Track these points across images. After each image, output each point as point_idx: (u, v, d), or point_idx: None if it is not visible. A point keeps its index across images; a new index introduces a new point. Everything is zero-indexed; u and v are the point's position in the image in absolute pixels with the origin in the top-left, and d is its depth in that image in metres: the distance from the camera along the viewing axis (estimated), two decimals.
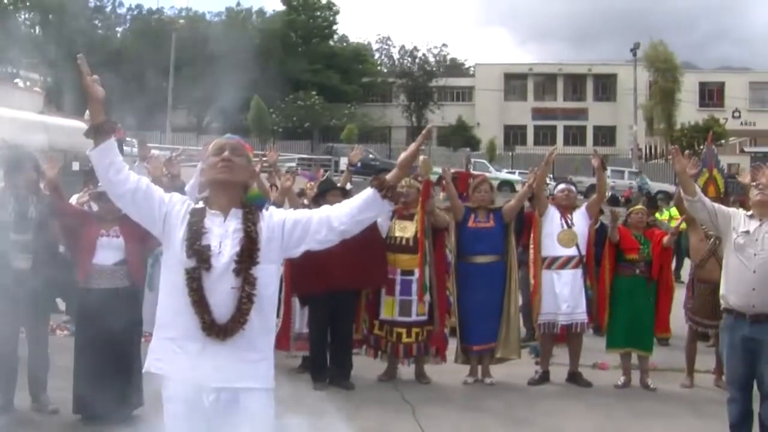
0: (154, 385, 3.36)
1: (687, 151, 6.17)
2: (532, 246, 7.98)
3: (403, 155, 3.46)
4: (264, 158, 7.85)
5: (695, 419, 6.88)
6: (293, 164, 30.28)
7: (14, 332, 6.19)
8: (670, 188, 26.47)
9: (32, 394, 6.25)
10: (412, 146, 3.47)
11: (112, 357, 5.77)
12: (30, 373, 6.24)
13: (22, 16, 52.61)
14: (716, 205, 5.83)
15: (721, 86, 58.33)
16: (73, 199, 7.60)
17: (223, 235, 3.23)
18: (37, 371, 6.24)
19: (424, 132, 3.59)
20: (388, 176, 3.31)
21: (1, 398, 6.10)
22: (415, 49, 56.10)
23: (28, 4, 51.94)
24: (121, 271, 5.95)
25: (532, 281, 7.98)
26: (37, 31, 51.82)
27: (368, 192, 3.27)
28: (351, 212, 3.29)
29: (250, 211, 3.30)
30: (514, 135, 58.84)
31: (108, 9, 57.80)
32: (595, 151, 8.59)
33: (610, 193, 24.06)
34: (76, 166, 15.72)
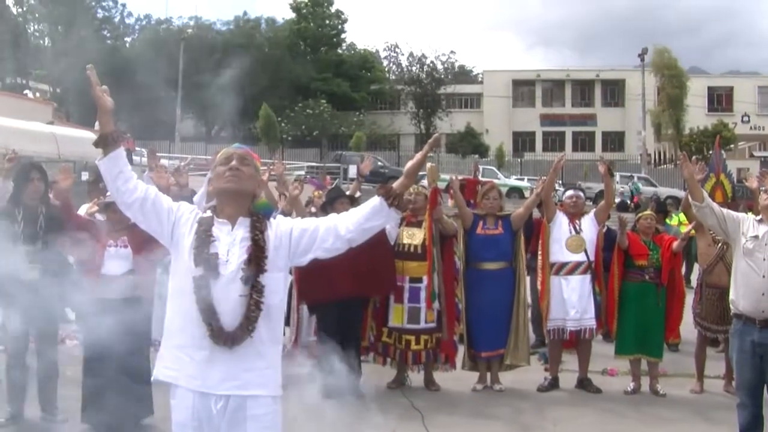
0: (164, 393, 3.37)
1: (695, 157, 6.14)
2: (540, 252, 7.97)
3: (409, 163, 3.46)
4: (271, 168, 7.85)
5: (705, 425, 6.86)
6: (302, 172, 30.35)
7: (24, 342, 6.22)
8: (680, 193, 26.35)
9: (42, 404, 6.26)
10: (419, 155, 3.47)
11: (121, 366, 5.77)
12: (39, 382, 6.26)
13: (32, 28, 52.93)
14: (725, 210, 5.82)
15: (729, 91, 58.17)
16: (82, 210, 7.61)
17: (231, 243, 3.24)
18: (47, 381, 6.26)
19: (430, 141, 3.56)
20: (395, 184, 3.32)
21: (11, 408, 6.12)
22: (423, 56, 56.00)
23: (37, 15, 52.22)
24: (129, 281, 5.97)
25: (539, 287, 7.97)
26: (47, 42, 52.07)
27: (375, 200, 3.28)
28: (358, 221, 3.29)
29: (258, 220, 3.31)
30: (522, 141, 58.81)
31: (116, 19, 58.12)
32: (601, 158, 8.56)
33: (618, 199, 24.08)
34: (85, 176, 15.79)
